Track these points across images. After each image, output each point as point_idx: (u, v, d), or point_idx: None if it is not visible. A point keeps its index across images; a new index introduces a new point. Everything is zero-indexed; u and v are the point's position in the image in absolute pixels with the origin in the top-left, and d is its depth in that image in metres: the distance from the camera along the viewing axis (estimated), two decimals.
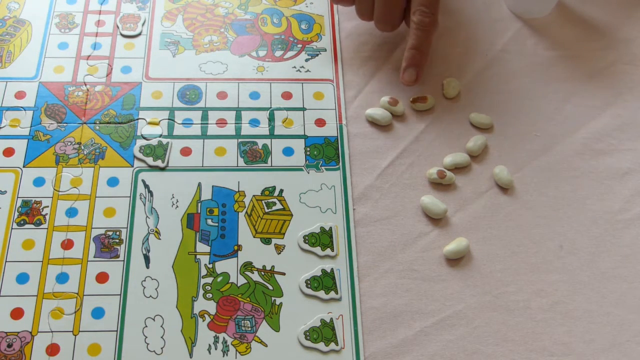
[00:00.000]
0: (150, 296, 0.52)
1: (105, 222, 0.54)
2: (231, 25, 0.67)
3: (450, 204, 0.57)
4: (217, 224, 0.55)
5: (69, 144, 0.58)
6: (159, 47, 0.65)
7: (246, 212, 0.56)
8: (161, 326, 0.50)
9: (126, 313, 0.51)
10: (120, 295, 0.51)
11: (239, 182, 0.57)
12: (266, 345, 0.50)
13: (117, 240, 0.54)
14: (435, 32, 0.60)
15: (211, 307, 0.51)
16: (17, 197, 0.55)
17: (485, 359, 0.50)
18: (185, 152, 0.58)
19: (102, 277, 0.52)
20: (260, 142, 0.59)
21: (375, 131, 0.61)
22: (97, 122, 0.59)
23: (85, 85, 0.62)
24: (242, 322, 0.51)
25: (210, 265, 0.53)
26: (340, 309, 0.52)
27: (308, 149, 0.59)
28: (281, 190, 0.57)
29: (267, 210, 0.56)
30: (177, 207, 0.55)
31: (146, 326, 0.50)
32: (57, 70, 0.62)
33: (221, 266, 0.53)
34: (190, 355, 0.50)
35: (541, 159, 0.60)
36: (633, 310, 0.53)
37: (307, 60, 0.65)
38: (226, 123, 0.60)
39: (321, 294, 0.52)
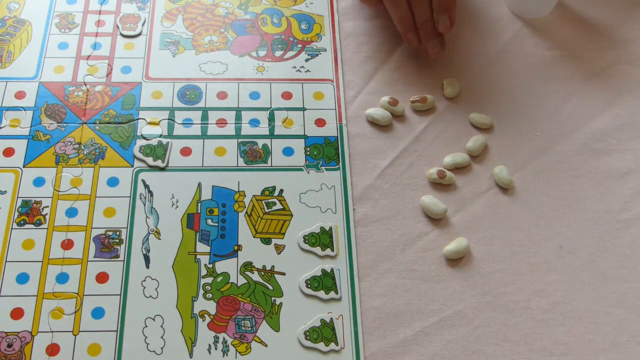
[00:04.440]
0: (150, 296, 0.52)
1: (105, 222, 0.54)
2: (231, 25, 0.67)
3: (450, 204, 0.57)
4: (217, 224, 0.55)
5: (69, 144, 0.58)
6: (159, 47, 0.65)
7: (246, 212, 0.56)
8: (161, 326, 0.50)
9: (126, 313, 0.51)
10: (120, 295, 0.51)
11: (239, 182, 0.57)
12: (266, 345, 0.50)
13: (117, 240, 0.54)
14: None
15: (211, 307, 0.51)
16: (17, 197, 0.55)
17: (485, 359, 0.50)
18: (185, 152, 0.58)
19: (102, 277, 0.52)
20: (260, 142, 0.59)
21: (375, 131, 0.61)
22: (97, 122, 0.59)
23: (85, 85, 0.62)
24: (242, 322, 0.51)
25: (210, 265, 0.53)
26: (340, 309, 0.52)
27: (308, 149, 0.59)
28: (281, 190, 0.57)
29: (267, 210, 0.56)
30: (177, 207, 0.55)
31: (146, 326, 0.50)
32: (57, 70, 0.62)
33: (221, 266, 0.53)
34: (190, 355, 0.50)
35: (541, 159, 0.60)
36: (633, 310, 0.53)
37: (307, 60, 0.65)
38: (226, 123, 0.60)
39: (321, 294, 0.52)
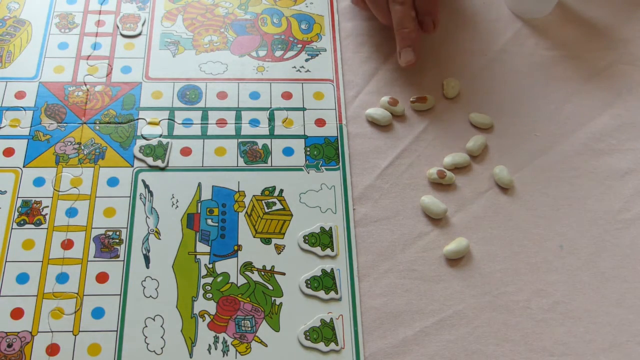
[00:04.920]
0: (150, 296, 0.52)
1: (105, 222, 0.54)
2: (231, 25, 0.67)
3: (450, 204, 0.57)
4: (217, 224, 0.55)
5: (69, 144, 0.58)
6: (159, 47, 0.65)
7: (246, 212, 0.56)
8: (161, 326, 0.50)
9: (126, 313, 0.51)
10: (120, 295, 0.51)
11: (239, 182, 0.57)
12: (266, 345, 0.50)
13: (117, 240, 0.54)
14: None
15: (211, 307, 0.51)
16: (17, 197, 0.55)
17: (485, 359, 0.50)
18: (185, 152, 0.58)
19: (102, 277, 0.52)
20: (260, 142, 0.59)
21: (375, 131, 0.61)
22: (97, 122, 0.59)
23: (85, 85, 0.62)
24: (242, 322, 0.51)
25: (210, 265, 0.53)
26: (340, 309, 0.52)
27: (308, 149, 0.59)
28: (281, 190, 0.57)
29: (267, 210, 0.56)
30: (177, 207, 0.55)
31: (146, 326, 0.50)
32: (57, 70, 0.62)
33: (221, 266, 0.53)
34: (190, 355, 0.50)
35: (541, 159, 0.60)
36: (633, 310, 0.53)
37: (307, 60, 0.65)
38: (226, 123, 0.60)
39: (321, 294, 0.52)
